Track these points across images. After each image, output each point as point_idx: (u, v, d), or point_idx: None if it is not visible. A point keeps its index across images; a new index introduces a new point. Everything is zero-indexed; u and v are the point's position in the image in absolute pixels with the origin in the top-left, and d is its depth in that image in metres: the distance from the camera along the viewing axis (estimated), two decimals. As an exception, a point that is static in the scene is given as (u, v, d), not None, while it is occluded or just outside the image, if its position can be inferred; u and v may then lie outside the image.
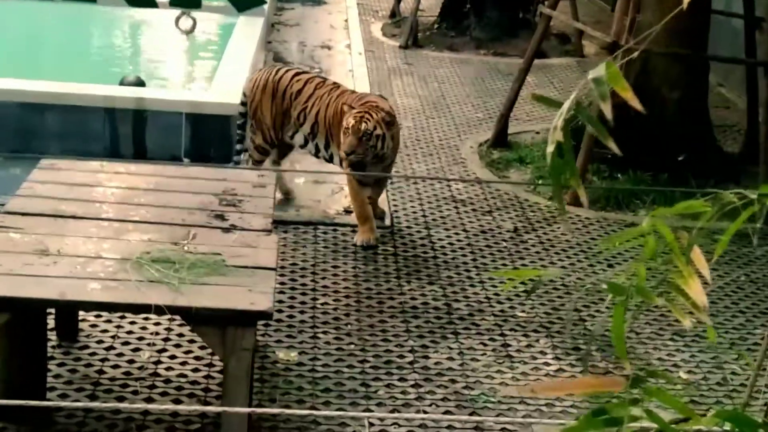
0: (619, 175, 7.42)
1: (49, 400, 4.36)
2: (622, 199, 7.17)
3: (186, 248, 3.95)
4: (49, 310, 4.57)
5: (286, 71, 6.72)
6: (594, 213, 7.03)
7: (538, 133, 8.53)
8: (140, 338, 4.96)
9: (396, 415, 1.38)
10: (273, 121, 6.51)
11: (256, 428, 4.30)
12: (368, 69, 10.24)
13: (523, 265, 6.15)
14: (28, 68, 8.65)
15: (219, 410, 3.71)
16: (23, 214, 4.09)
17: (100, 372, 4.64)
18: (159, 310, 3.53)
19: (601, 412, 1.61)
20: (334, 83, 6.62)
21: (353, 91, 6.70)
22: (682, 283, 1.70)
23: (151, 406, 1.72)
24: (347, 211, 6.63)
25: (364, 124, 5.90)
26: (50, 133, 6.93)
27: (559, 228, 6.75)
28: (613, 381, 1.72)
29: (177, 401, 4.47)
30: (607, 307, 5.71)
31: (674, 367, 5.14)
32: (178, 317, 5.13)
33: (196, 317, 3.60)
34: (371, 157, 6.00)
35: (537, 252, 6.36)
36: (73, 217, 4.14)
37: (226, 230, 4.19)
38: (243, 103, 6.63)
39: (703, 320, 1.71)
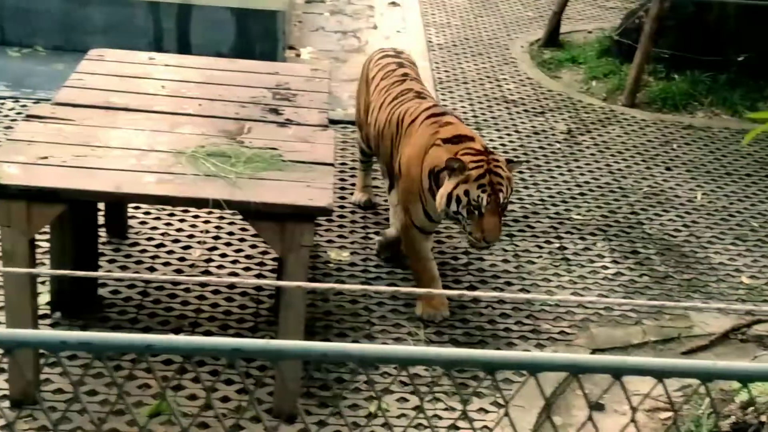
0: (676, 76, 7.17)
1: (101, 295, 4.31)
2: (679, 100, 6.94)
3: (241, 142, 3.82)
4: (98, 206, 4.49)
5: (380, 51, 5.17)
6: (650, 114, 6.82)
7: (590, 32, 8.27)
8: (190, 236, 4.88)
9: (450, 292, 1.26)
10: (358, 110, 5.24)
11: (309, 326, 4.23)
12: (413, -35, 9.93)
13: (578, 167, 5.98)
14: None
15: (276, 284, 3.62)
16: (74, 106, 3.96)
17: (151, 269, 4.57)
18: (217, 204, 3.42)
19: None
20: (404, 75, 4.87)
21: (420, 96, 4.69)
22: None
23: (208, 279, 1.61)
24: None
25: (502, 194, 4.11)
26: (93, 27, 6.77)
27: (614, 130, 6.55)
28: None
29: (229, 300, 4.40)
30: (664, 210, 5.55)
31: (736, 272, 5.00)
32: (228, 215, 5.05)
33: (254, 212, 3.48)
34: None
35: (592, 154, 6.18)
36: (125, 109, 4.01)
37: (282, 125, 4.04)
38: None
39: None
